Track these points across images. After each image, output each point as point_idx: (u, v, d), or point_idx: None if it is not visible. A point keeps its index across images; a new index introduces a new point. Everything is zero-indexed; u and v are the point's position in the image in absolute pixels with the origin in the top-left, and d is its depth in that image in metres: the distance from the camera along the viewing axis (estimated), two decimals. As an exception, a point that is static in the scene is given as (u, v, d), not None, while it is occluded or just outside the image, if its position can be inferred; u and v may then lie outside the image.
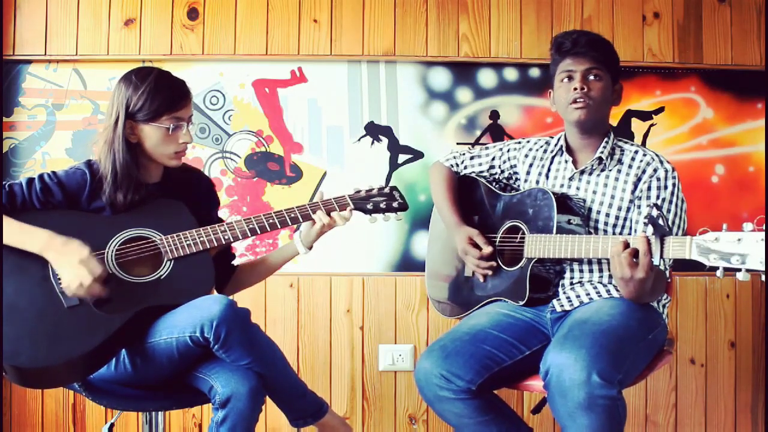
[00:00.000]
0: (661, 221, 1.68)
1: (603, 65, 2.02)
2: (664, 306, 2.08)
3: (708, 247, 1.59)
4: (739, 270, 1.56)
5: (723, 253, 1.57)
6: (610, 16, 2.91)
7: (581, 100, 2.01)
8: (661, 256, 1.68)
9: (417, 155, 2.90)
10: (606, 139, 2.07)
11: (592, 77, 2.02)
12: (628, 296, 1.87)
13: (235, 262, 2.19)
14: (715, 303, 2.91)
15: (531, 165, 2.19)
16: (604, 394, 1.70)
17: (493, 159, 2.26)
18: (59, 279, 1.83)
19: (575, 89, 2.01)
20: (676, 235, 1.97)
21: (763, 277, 1.54)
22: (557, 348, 1.78)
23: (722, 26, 2.92)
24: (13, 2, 2.82)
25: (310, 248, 2.07)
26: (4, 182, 1.89)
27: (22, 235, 1.83)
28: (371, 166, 2.90)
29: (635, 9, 2.91)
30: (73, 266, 1.78)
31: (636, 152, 2.06)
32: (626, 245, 1.75)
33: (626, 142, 2.10)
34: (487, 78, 2.91)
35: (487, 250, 2.11)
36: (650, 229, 1.69)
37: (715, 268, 1.59)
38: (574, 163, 2.11)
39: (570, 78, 2.03)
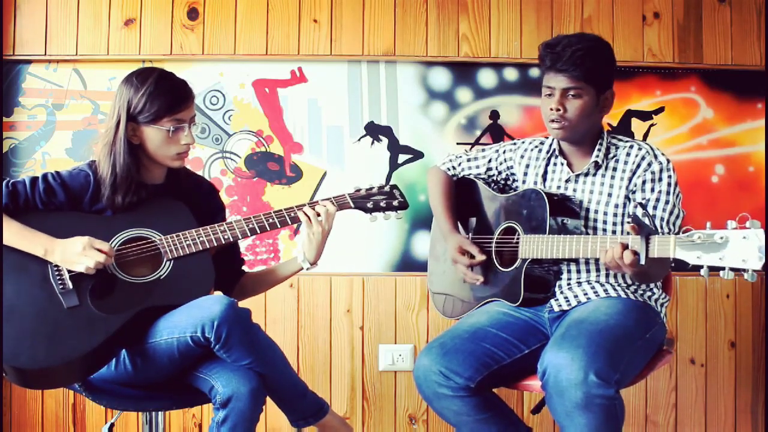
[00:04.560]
0: (646, 220, 1.69)
1: (585, 82, 1.96)
2: (662, 305, 2.08)
3: (692, 246, 1.59)
4: (723, 269, 1.55)
5: (706, 252, 1.56)
6: (610, 16, 2.91)
7: (557, 121, 1.99)
8: (647, 256, 1.68)
9: (417, 155, 2.90)
10: (600, 141, 2.06)
11: (571, 95, 1.98)
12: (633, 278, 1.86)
13: (244, 268, 2.19)
14: (715, 303, 2.91)
15: (527, 166, 2.19)
16: (601, 393, 1.71)
17: (490, 161, 2.27)
18: (59, 279, 1.83)
19: (551, 109, 1.99)
20: (675, 227, 1.97)
21: (746, 276, 1.53)
22: (554, 348, 1.78)
23: (722, 26, 2.92)
24: (13, 2, 2.82)
25: (314, 263, 2.05)
26: (7, 179, 1.90)
27: (23, 239, 1.83)
28: (371, 166, 2.89)
29: (635, 9, 2.91)
30: (79, 254, 1.80)
31: (631, 147, 2.06)
32: (624, 247, 1.75)
33: (620, 139, 2.10)
34: (487, 78, 2.91)
35: (480, 258, 2.11)
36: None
37: (699, 267, 1.58)
38: (569, 165, 2.11)
39: (550, 94, 2.01)
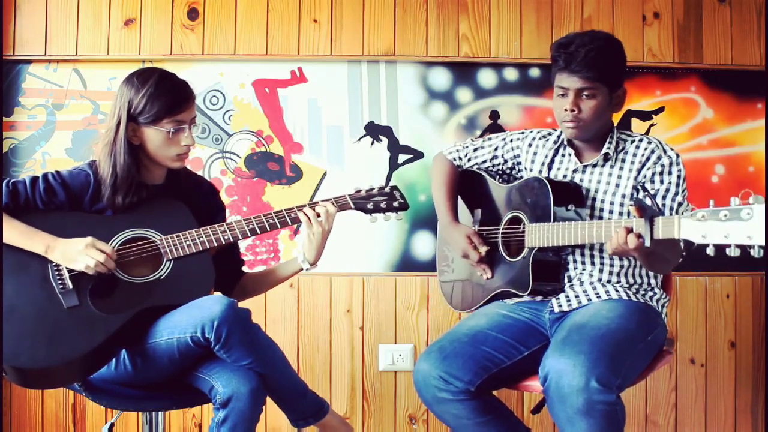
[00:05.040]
0: (649, 202, 1.68)
1: (598, 81, 1.97)
2: (663, 305, 2.08)
3: (696, 225, 1.59)
4: (729, 246, 1.54)
5: (711, 230, 1.56)
6: (610, 16, 2.91)
7: (572, 121, 2.00)
8: (652, 238, 1.68)
9: (417, 155, 2.90)
10: (610, 135, 2.07)
11: (585, 96, 1.98)
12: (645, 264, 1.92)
13: (244, 268, 2.19)
14: (715, 303, 2.91)
15: (535, 154, 2.19)
16: (602, 399, 1.71)
17: (496, 149, 2.26)
18: (59, 279, 1.83)
19: (566, 109, 1.99)
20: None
21: (752, 252, 1.52)
22: (556, 353, 1.78)
23: (722, 26, 2.92)
24: (13, 2, 2.82)
25: (314, 264, 2.05)
26: (8, 179, 1.90)
27: (24, 238, 1.83)
28: (371, 166, 2.89)
29: (635, 9, 2.91)
30: (80, 252, 1.80)
31: (640, 140, 2.06)
32: (628, 231, 1.76)
33: (629, 134, 2.10)
34: (487, 78, 2.91)
35: (482, 249, 2.13)
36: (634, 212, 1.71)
37: (705, 246, 1.57)
38: (578, 155, 2.11)
39: (563, 94, 2.00)
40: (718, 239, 1.54)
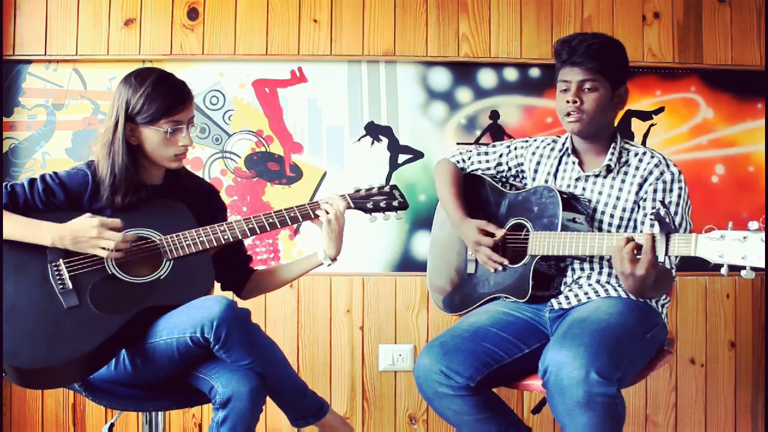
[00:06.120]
0: (667, 218, 1.70)
1: (601, 74, 1.98)
2: (663, 306, 2.08)
3: (713, 245, 1.60)
4: (744, 268, 1.57)
5: (728, 251, 1.58)
6: (610, 16, 2.91)
7: (574, 113, 2.00)
8: (666, 253, 1.69)
9: (417, 155, 2.90)
10: (613, 145, 2.06)
11: (587, 88, 1.99)
12: (629, 290, 1.85)
13: (252, 265, 2.19)
14: (715, 303, 2.91)
15: (539, 163, 2.19)
16: (602, 392, 1.71)
17: (501, 156, 2.27)
18: (59, 279, 1.83)
19: (568, 102, 2.00)
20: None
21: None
22: (556, 346, 1.79)
23: (722, 26, 2.92)
24: (13, 2, 2.82)
25: (334, 260, 2.06)
26: (6, 183, 1.90)
27: (28, 229, 1.83)
28: (371, 166, 2.90)
29: (635, 9, 2.91)
30: (93, 238, 1.81)
31: (644, 154, 2.06)
32: (629, 240, 1.75)
33: (633, 145, 2.10)
34: (487, 78, 2.91)
35: (498, 233, 2.10)
36: (656, 226, 1.71)
37: (720, 266, 1.59)
38: (580, 164, 2.11)
39: (566, 89, 2.01)
40: (735, 260, 1.58)
